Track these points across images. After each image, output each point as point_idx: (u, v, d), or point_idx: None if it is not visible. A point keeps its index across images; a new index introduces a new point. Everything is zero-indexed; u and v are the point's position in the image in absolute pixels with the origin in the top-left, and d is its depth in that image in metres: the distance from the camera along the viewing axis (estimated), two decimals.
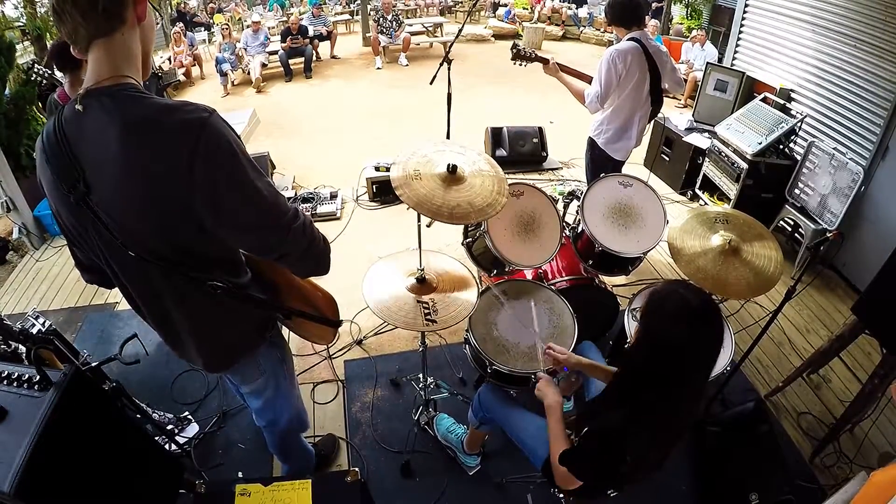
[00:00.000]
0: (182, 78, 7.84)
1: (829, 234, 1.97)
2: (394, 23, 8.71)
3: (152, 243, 0.98)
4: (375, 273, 1.89)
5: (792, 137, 3.59)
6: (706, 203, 4.09)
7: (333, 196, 4.18)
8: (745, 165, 3.57)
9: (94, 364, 1.74)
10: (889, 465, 1.70)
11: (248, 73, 7.72)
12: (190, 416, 2.31)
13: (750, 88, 4.19)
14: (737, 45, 4.41)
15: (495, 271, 2.21)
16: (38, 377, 1.06)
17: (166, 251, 1.00)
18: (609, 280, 2.69)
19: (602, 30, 10.80)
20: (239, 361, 1.33)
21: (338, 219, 3.97)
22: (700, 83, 4.55)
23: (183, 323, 1.17)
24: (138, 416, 1.53)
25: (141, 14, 0.95)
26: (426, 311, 1.74)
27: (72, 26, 0.89)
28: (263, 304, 1.23)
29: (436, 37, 9.86)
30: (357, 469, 1.46)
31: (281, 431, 1.66)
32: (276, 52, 7.99)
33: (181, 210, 0.93)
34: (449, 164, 1.64)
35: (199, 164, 0.89)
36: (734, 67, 4.39)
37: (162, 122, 0.89)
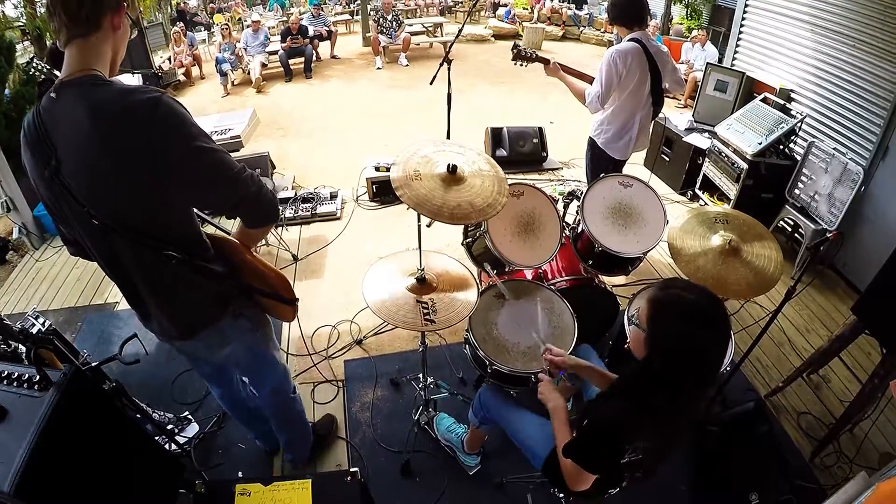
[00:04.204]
0: (182, 78, 7.85)
1: (828, 234, 1.97)
2: (394, 23, 8.71)
3: (117, 212, 1.11)
4: (375, 273, 1.90)
5: (792, 137, 3.59)
6: (706, 203, 4.09)
7: (333, 196, 4.18)
8: (745, 165, 3.57)
9: (94, 364, 1.73)
10: (893, 475, 1.69)
11: (248, 73, 7.72)
12: (190, 416, 2.31)
13: (750, 88, 4.20)
14: (737, 46, 4.41)
15: (495, 271, 2.21)
16: (38, 377, 1.06)
17: (130, 220, 1.12)
18: (609, 280, 2.69)
19: (602, 30, 10.80)
20: (201, 332, 1.40)
21: (338, 219, 3.97)
22: (700, 83, 4.55)
23: (144, 289, 1.29)
24: (138, 416, 1.53)
25: (116, 24, 1.10)
26: (426, 310, 1.74)
27: (57, 24, 1.05)
28: (215, 276, 1.30)
29: (436, 37, 9.86)
30: (357, 469, 1.46)
31: (272, 393, 1.78)
32: (276, 52, 7.99)
33: (143, 178, 1.07)
34: (449, 165, 1.64)
35: (157, 135, 1.04)
36: (734, 67, 4.39)
37: (121, 101, 1.04)
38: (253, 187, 1.18)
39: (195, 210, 1.28)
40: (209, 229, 1.45)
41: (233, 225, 1.44)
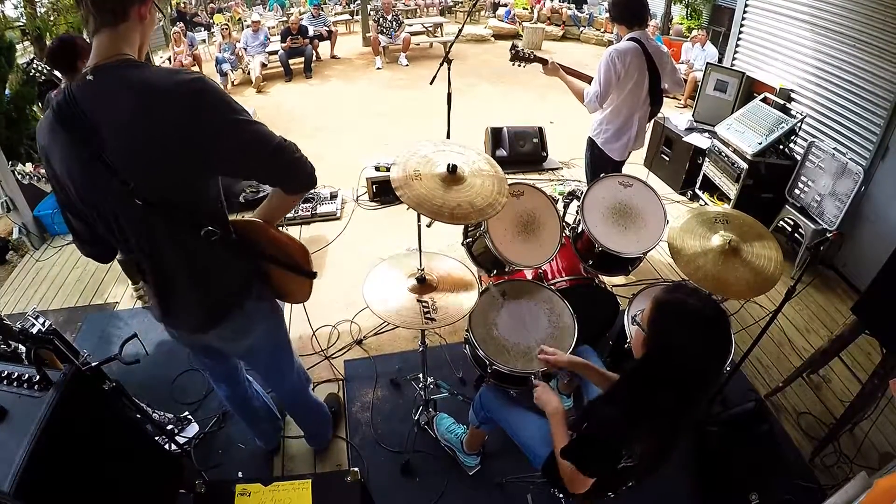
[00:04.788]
0: None
1: (829, 234, 1.98)
2: (394, 23, 8.71)
3: (163, 189, 1.13)
4: (375, 273, 1.90)
5: (792, 137, 3.59)
6: (706, 203, 4.09)
7: (333, 196, 4.18)
8: (745, 165, 3.57)
9: (94, 364, 1.73)
10: (894, 471, 1.69)
11: (248, 73, 7.73)
12: (190, 416, 2.31)
13: (750, 88, 4.19)
14: (737, 45, 4.41)
15: (495, 271, 2.21)
16: (38, 377, 1.07)
17: (175, 196, 1.15)
18: (609, 280, 2.69)
19: (602, 30, 10.80)
20: (228, 316, 1.41)
21: (338, 219, 3.97)
22: (700, 83, 4.55)
23: (181, 272, 1.30)
24: (138, 416, 1.53)
25: (143, 15, 1.13)
26: (426, 310, 1.74)
27: (84, 14, 1.09)
28: (252, 251, 1.36)
29: (436, 37, 9.86)
30: (357, 469, 1.47)
31: (291, 387, 1.85)
32: (276, 52, 7.99)
33: (191, 152, 1.10)
34: (449, 164, 1.64)
35: (204, 110, 1.09)
36: (734, 67, 4.39)
37: (167, 80, 1.07)
38: (295, 154, 1.23)
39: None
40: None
41: None
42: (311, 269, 1.45)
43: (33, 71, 2.81)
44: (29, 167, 1.84)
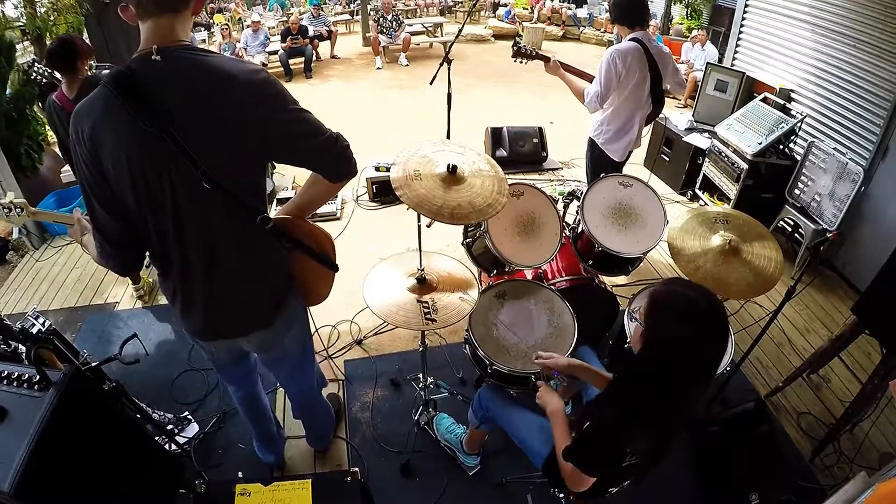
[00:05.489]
0: None
1: (829, 234, 1.98)
2: (394, 23, 8.71)
3: (229, 172, 1.14)
4: (375, 273, 1.90)
5: (792, 137, 3.59)
6: (706, 203, 4.09)
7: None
8: (745, 165, 3.57)
9: (94, 364, 1.74)
10: (893, 475, 1.69)
11: None
12: (190, 416, 2.31)
13: (750, 88, 4.19)
14: (737, 45, 4.42)
15: (495, 271, 2.21)
16: (38, 377, 1.06)
17: (239, 178, 1.17)
18: (609, 280, 2.69)
19: (602, 30, 10.80)
20: (280, 311, 1.43)
21: (338, 219, 3.97)
22: (700, 83, 4.55)
23: (232, 266, 1.29)
24: (138, 416, 1.53)
25: (198, 9, 1.15)
26: (426, 310, 1.74)
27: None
28: (295, 242, 1.34)
29: (436, 37, 9.86)
30: (357, 469, 1.47)
31: (309, 390, 1.88)
32: (276, 52, 7.99)
33: (255, 136, 1.14)
34: (449, 165, 1.64)
35: (267, 98, 1.14)
36: (734, 67, 4.39)
37: (235, 68, 1.12)
38: (344, 144, 1.29)
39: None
40: None
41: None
42: (335, 262, 1.48)
43: (34, 74, 2.82)
44: (7, 198, 1.77)
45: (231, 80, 1.10)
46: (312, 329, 2.80)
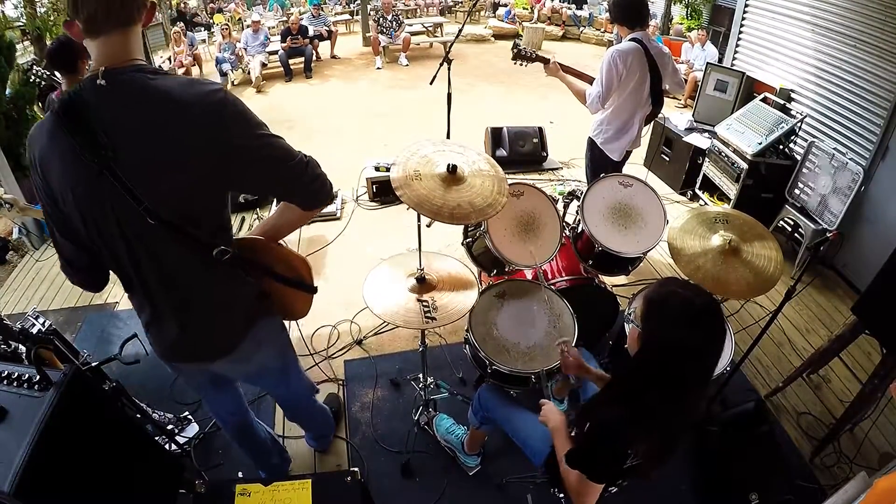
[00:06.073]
0: None
1: (828, 234, 1.97)
2: (394, 23, 8.71)
3: (176, 208, 1.06)
4: (375, 273, 1.90)
5: (792, 137, 3.59)
6: (706, 203, 4.09)
7: (333, 196, 4.17)
8: (745, 165, 3.57)
9: (94, 364, 1.74)
10: (893, 471, 1.69)
11: (248, 73, 7.72)
12: (190, 416, 2.31)
13: (750, 88, 4.19)
14: (737, 45, 4.41)
15: (495, 271, 2.21)
16: (38, 377, 1.06)
17: (190, 213, 1.09)
18: (609, 280, 2.69)
19: (602, 30, 10.80)
20: (246, 336, 1.35)
21: (338, 219, 3.97)
22: (700, 83, 4.54)
23: (192, 297, 1.23)
24: (138, 416, 1.53)
25: (149, 18, 1.08)
26: (426, 309, 1.74)
27: (93, 11, 0.98)
28: (260, 270, 1.29)
29: (436, 37, 9.86)
30: (357, 469, 1.46)
31: (297, 399, 1.82)
32: (276, 52, 7.99)
33: (211, 168, 1.05)
34: (449, 165, 1.64)
35: (226, 124, 1.04)
36: (734, 67, 4.39)
37: (189, 91, 1.02)
38: (316, 171, 1.20)
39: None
40: None
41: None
42: (313, 284, 1.40)
43: (34, 76, 2.82)
44: None
45: (182, 104, 1.01)
46: (312, 329, 2.80)
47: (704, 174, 4.09)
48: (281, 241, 1.40)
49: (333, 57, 9.00)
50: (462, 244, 2.33)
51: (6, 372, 1.10)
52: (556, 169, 4.88)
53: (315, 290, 1.41)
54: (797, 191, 3.42)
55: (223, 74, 7.39)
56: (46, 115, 1.06)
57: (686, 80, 6.17)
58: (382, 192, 4.14)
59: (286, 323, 1.55)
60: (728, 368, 2.06)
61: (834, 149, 3.20)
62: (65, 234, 1.16)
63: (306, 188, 1.19)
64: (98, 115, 0.99)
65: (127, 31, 1.03)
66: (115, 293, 3.18)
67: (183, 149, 1.02)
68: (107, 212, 1.06)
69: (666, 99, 2.94)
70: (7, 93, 3.96)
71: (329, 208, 4.01)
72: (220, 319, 1.30)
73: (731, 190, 3.73)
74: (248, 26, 8.55)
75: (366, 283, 1.85)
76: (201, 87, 1.04)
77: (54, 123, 1.02)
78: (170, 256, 1.14)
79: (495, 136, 4.80)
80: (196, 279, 1.20)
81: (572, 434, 1.41)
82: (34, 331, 2.07)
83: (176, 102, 1.01)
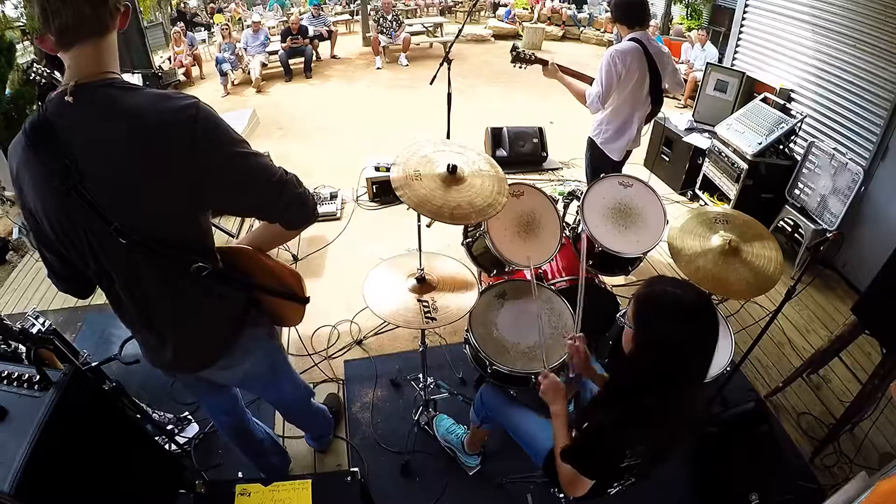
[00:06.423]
0: (182, 78, 7.85)
1: (829, 235, 1.97)
2: (394, 23, 8.72)
3: (150, 226, 1.03)
4: (375, 273, 1.90)
5: (792, 137, 3.59)
6: (706, 203, 4.09)
7: (333, 196, 4.18)
8: (745, 165, 3.57)
9: (94, 364, 1.74)
10: (894, 472, 1.69)
11: (248, 73, 7.73)
12: (190, 416, 2.31)
13: (750, 88, 4.19)
14: (737, 46, 4.41)
15: (495, 271, 2.21)
16: (38, 377, 1.06)
17: (161, 232, 1.05)
18: (609, 280, 2.69)
19: (602, 30, 10.80)
20: (229, 348, 1.32)
21: (338, 219, 3.97)
22: (700, 83, 4.55)
23: (171, 313, 1.21)
24: (138, 416, 1.53)
25: (123, 23, 1.02)
26: (426, 309, 1.74)
27: (66, 20, 0.92)
28: (243, 284, 1.28)
29: (436, 37, 9.86)
30: (357, 469, 1.46)
31: (291, 403, 1.80)
32: (276, 52, 7.99)
33: (182, 186, 1.01)
34: (449, 165, 1.64)
35: (199, 142, 0.99)
36: (734, 67, 4.39)
37: (159, 107, 0.98)
38: (297, 190, 1.14)
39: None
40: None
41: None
42: (304, 296, 1.37)
43: (33, 74, 2.82)
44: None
45: (151, 123, 0.96)
46: (312, 329, 2.79)
47: (704, 174, 4.09)
48: (270, 253, 1.37)
49: (333, 57, 9.00)
50: (462, 244, 2.33)
51: (6, 372, 1.10)
52: (556, 169, 4.88)
53: (307, 300, 1.37)
54: (797, 191, 3.42)
55: (223, 74, 7.39)
56: (19, 134, 1.02)
57: (686, 80, 6.18)
58: (382, 192, 4.14)
59: (280, 328, 1.53)
60: (728, 368, 2.06)
61: (834, 149, 3.20)
62: (46, 246, 1.16)
63: (284, 211, 1.14)
64: (64, 137, 0.96)
65: (99, 43, 0.98)
66: None
67: (151, 170, 0.98)
68: (79, 232, 1.05)
69: (666, 99, 2.94)
70: (7, 93, 3.95)
71: (329, 208, 4.01)
72: (202, 333, 1.28)
73: (731, 190, 3.73)
74: (248, 26, 8.56)
75: (366, 283, 1.85)
76: (172, 102, 0.99)
77: (24, 141, 0.99)
78: (145, 274, 1.12)
79: (495, 136, 4.80)
80: (174, 295, 1.18)
81: (572, 434, 1.41)
82: (34, 331, 2.07)
83: (148, 118, 0.96)
